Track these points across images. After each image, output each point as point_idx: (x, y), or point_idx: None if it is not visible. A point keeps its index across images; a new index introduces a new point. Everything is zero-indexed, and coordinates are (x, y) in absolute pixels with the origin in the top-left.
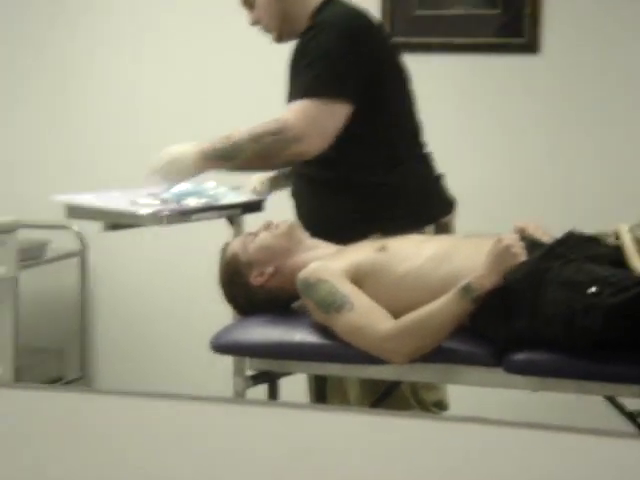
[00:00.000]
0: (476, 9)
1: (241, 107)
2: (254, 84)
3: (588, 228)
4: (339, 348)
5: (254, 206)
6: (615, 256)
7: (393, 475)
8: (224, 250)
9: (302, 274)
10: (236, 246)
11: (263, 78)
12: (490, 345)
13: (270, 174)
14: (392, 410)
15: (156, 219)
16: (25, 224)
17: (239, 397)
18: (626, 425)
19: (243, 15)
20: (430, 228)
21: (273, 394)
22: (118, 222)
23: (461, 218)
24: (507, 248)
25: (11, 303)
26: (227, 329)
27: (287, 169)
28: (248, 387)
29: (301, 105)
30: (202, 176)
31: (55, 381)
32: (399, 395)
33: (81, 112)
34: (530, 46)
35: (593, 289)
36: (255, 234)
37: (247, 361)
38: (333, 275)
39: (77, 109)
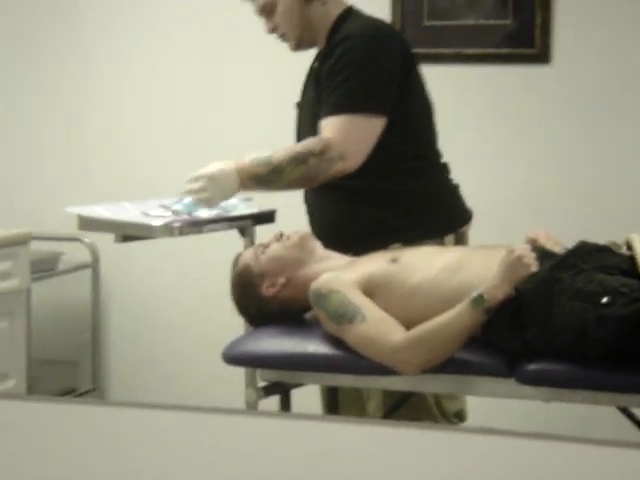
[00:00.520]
0: (486, 20)
1: (250, 118)
2: (264, 94)
3: (600, 238)
4: (351, 359)
5: (266, 217)
6: (627, 266)
7: None
8: (236, 261)
9: (314, 285)
10: (248, 257)
11: (272, 87)
12: (502, 355)
13: None
14: (414, 418)
15: (168, 230)
16: (38, 236)
17: (251, 408)
18: (639, 436)
19: (248, 24)
20: (450, 238)
21: (285, 405)
22: (130, 234)
23: (474, 228)
24: (519, 259)
25: (24, 315)
26: (239, 340)
27: None
28: (260, 398)
29: (340, 122)
30: None
31: (68, 393)
32: (422, 404)
33: (95, 124)
34: (541, 56)
35: (605, 299)
36: (267, 245)
37: (259, 372)
38: (345, 286)
39: (91, 121)
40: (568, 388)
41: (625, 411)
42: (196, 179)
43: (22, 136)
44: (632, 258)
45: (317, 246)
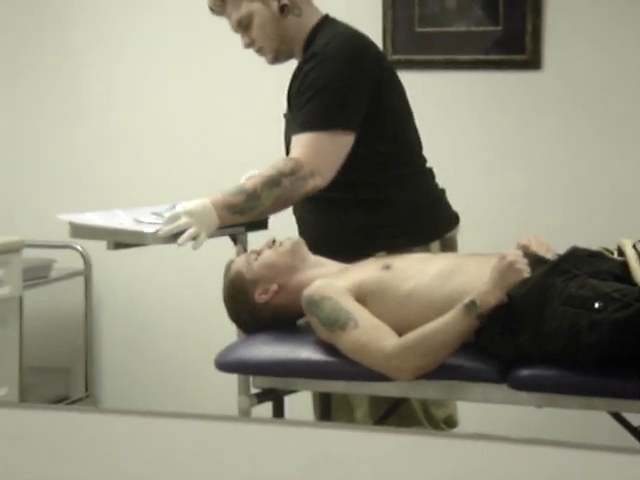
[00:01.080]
0: (477, 26)
1: (247, 126)
2: (261, 100)
3: (592, 244)
4: (344, 365)
5: (258, 224)
6: (619, 271)
7: None
8: (228, 268)
9: (306, 292)
10: (240, 264)
11: (269, 94)
12: (495, 361)
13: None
14: (402, 427)
15: (160, 238)
16: (30, 244)
17: (244, 415)
18: (632, 441)
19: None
20: (436, 244)
21: (278, 412)
22: (122, 241)
23: (464, 233)
24: (511, 264)
25: (16, 322)
26: (231, 347)
27: None
28: (253, 405)
29: (307, 139)
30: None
31: (60, 400)
32: (409, 412)
33: (87, 132)
34: (532, 62)
35: (597, 305)
36: (259, 252)
37: (252, 379)
38: (337, 293)
39: (84, 128)
40: (561, 393)
41: (617, 416)
42: (176, 217)
43: (15, 144)
44: (624, 263)
45: (309, 253)
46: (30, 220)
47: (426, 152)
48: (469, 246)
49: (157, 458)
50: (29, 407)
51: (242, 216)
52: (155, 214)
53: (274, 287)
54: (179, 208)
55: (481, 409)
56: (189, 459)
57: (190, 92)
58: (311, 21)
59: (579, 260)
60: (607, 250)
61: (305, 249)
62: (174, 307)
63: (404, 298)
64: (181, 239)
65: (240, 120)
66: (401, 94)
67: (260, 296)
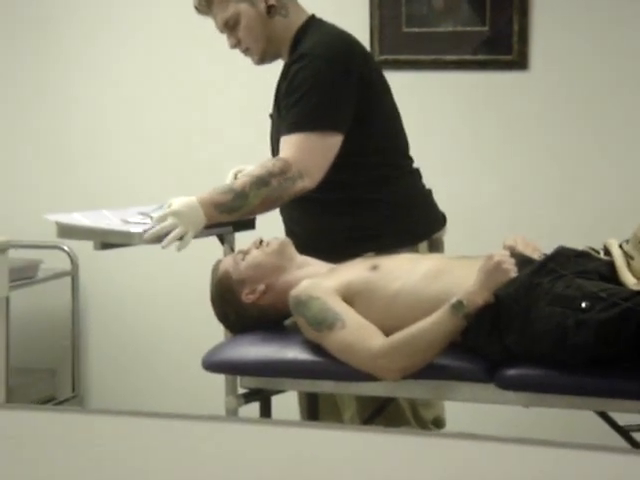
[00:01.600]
0: (464, 26)
1: (238, 128)
2: (251, 100)
3: (578, 244)
4: (331, 365)
5: (245, 224)
6: (605, 271)
7: None
8: (215, 268)
9: (294, 292)
10: (227, 264)
11: (258, 94)
12: (482, 361)
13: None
14: (390, 427)
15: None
16: (16, 244)
17: (231, 415)
18: (619, 440)
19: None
20: (424, 244)
21: (265, 412)
22: (109, 241)
23: (451, 234)
24: (498, 264)
25: (3, 323)
26: (218, 347)
27: None
28: (240, 405)
29: (296, 140)
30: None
31: (47, 401)
32: (397, 413)
33: (73, 132)
34: (518, 62)
35: (584, 304)
36: (246, 252)
37: (239, 379)
38: (325, 293)
39: (70, 129)
40: (548, 393)
41: (604, 415)
42: (162, 218)
43: (1, 144)
44: (610, 263)
45: (297, 253)
46: (17, 220)
47: (412, 152)
48: (455, 247)
49: (144, 458)
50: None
51: (229, 215)
52: (142, 214)
53: (261, 287)
54: (165, 208)
55: (468, 409)
56: (176, 459)
57: (177, 92)
58: (297, 21)
59: (566, 260)
60: (593, 250)
61: (292, 249)
62: (161, 308)
63: (391, 298)
64: (165, 241)
65: (227, 119)
66: (388, 94)
67: (247, 296)
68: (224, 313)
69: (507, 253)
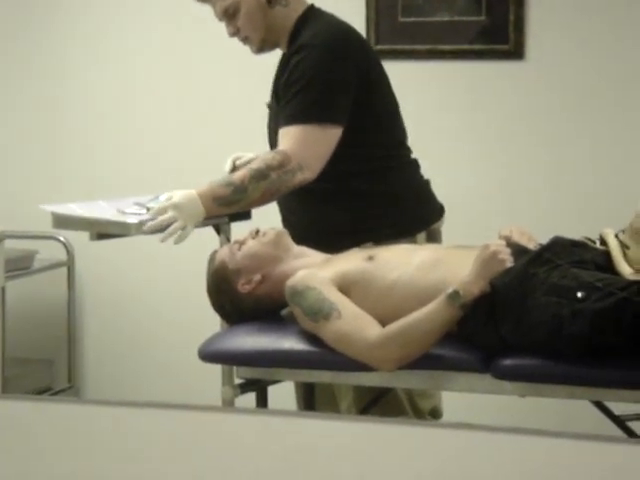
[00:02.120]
0: (460, 16)
1: (234, 118)
2: (244, 92)
3: (575, 234)
4: (327, 355)
5: (242, 214)
6: (601, 261)
7: None
8: (212, 258)
9: (290, 282)
10: (223, 254)
11: (252, 87)
12: (478, 351)
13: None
14: (388, 417)
15: (143, 228)
16: (12, 234)
17: (228, 405)
18: (614, 429)
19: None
20: (422, 235)
21: (262, 402)
22: (105, 231)
23: (448, 225)
24: (494, 254)
25: None
26: (215, 338)
27: None
28: (236, 395)
29: (296, 132)
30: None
31: (43, 392)
32: (396, 402)
33: (70, 122)
34: (515, 52)
35: (580, 294)
36: (242, 242)
37: (235, 369)
38: (321, 283)
39: (66, 119)
40: (543, 383)
41: (600, 405)
42: (162, 211)
43: None
44: (606, 253)
45: (293, 243)
46: (12, 211)
47: (408, 142)
48: (452, 237)
49: (141, 448)
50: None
51: (228, 208)
52: (138, 204)
53: (257, 277)
54: (163, 199)
55: (465, 399)
56: (173, 449)
57: (172, 82)
58: (297, 11)
59: (562, 250)
60: (589, 240)
61: (288, 239)
62: (157, 298)
63: (388, 289)
64: (163, 236)
65: (223, 110)
66: (387, 85)
67: (243, 286)
68: (220, 303)
69: (503, 243)
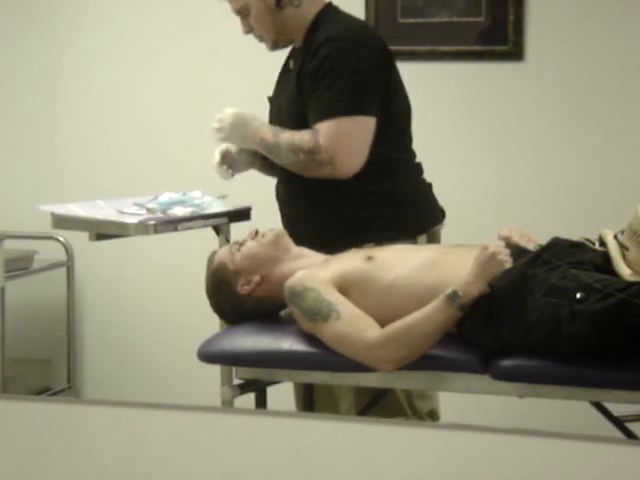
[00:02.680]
0: (460, 17)
1: None
2: (252, 93)
3: (574, 235)
4: (327, 356)
5: (241, 214)
6: (600, 262)
7: None
8: (211, 259)
9: (289, 282)
10: (223, 255)
11: (248, 83)
12: (477, 352)
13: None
14: (387, 418)
15: (143, 228)
16: (12, 235)
17: (227, 406)
18: (613, 430)
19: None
20: (422, 237)
21: (261, 402)
22: (105, 232)
23: (447, 226)
24: (493, 255)
25: None
26: (214, 338)
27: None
28: (235, 396)
29: (331, 126)
30: (188, 185)
31: (43, 392)
32: (395, 404)
33: (68, 122)
34: (514, 53)
35: (579, 295)
36: (242, 243)
37: (234, 370)
38: (320, 283)
39: (65, 119)
40: (542, 383)
41: (599, 406)
42: (219, 120)
43: None
44: (605, 254)
45: (292, 244)
46: (12, 211)
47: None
48: (451, 237)
49: (139, 448)
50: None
51: (267, 153)
52: (137, 205)
53: (256, 278)
54: (162, 199)
55: (463, 400)
56: (172, 450)
57: (173, 82)
58: (313, 9)
59: (561, 251)
60: (588, 241)
61: (288, 240)
62: (156, 298)
63: (386, 289)
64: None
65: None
66: (403, 87)
67: (242, 287)
68: (219, 304)
69: (502, 244)
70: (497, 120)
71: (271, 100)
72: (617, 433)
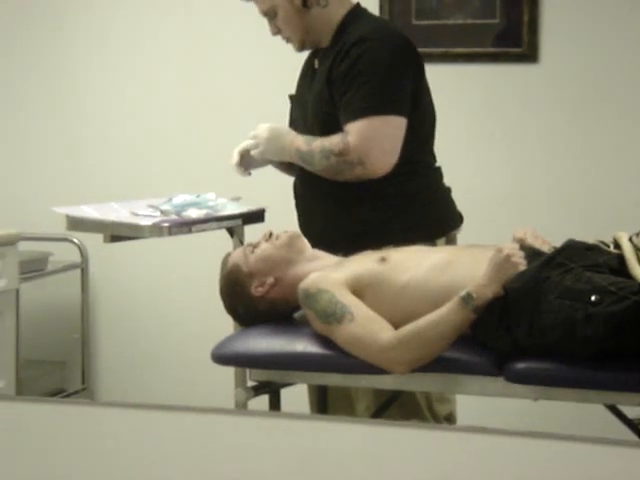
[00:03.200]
0: (474, 19)
1: (246, 123)
2: (259, 100)
3: (588, 237)
4: (340, 358)
5: (255, 216)
6: (615, 264)
7: None
8: (225, 261)
9: (303, 284)
10: (237, 257)
11: (267, 88)
12: (491, 354)
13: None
14: (405, 419)
15: (157, 230)
16: (26, 236)
17: (241, 408)
18: (628, 433)
19: (239, 23)
20: (442, 241)
21: (275, 404)
22: (119, 234)
23: (463, 227)
24: (507, 257)
25: (13, 315)
26: (228, 340)
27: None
28: (249, 398)
29: (361, 126)
30: (202, 187)
31: (57, 393)
32: (414, 407)
33: (83, 124)
34: (529, 55)
35: (593, 298)
36: (256, 245)
37: (248, 372)
38: (334, 285)
39: (79, 121)
40: (557, 386)
41: (613, 409)
42: (255, 136)
43: (11, 137)
44: (620, 256)
45: (306, 246)
46: (27, 213)
47: None
48: (464, 240)
49: (153, 450)
50: (26, 400)
51: (301, 162)
52: (151, 207)
53: (270, 280)
54: (176, 201)
55: (478, 402)
56: (186, 451)
57: (187, 85)
58: (341, 10)
59: (575, 253)
60: (603, 243)
61: (302, 242)
62: (171, 300)
63: (400, 290)
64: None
65: (237, 112)
66: (428, 89)
67: (256, 289)
68: (233, 306)
69: (516, 246)
70: (512, 122)
71: (293, 99)
72: (631, 436)
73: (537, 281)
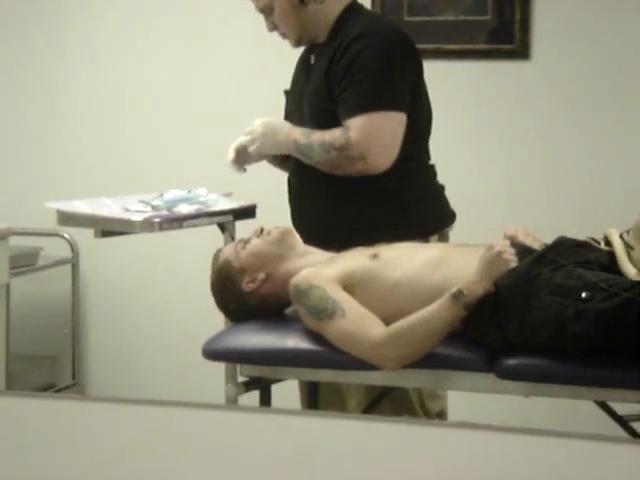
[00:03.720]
0: (466, 15)
1: (238, 116)
2: (251, 96)
3: (579, 234)
4: (331, 354)
5: (246, 212)
6: (606, 261)
7: None
8: (216, 257)
9: (294, 280)
10: (228, 252)
11: (261, 84)
12: (482, 351)
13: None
14: (396, 415)
15: (148, 226)
16: (17, 231)
17: (231, 403)
18: (618, 429)
19: (233, 20)
20: (434, 238)
21: (265, 400)
22: (110, 229)
23: (454, 224)
24: (498, 254)
25: (3, 310)
26: (219, 336)
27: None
28: (240, 393)
29: (362, 121)
30: (193, 182)
31: (47, 388)
32: (406, 403)
33: (74, 119)
34: (520, 52)
35: (584, 294)
36: (247, 240)
37: (239, 368)
38: (325, 281)
39: (70, 116)
40: (547, 383)
41: (603, 405)
42: (250, 132)
43: (1, 132)
44: (611, 254)
45: (297, 241)
46: (17, 208)
47: None
48: (456, 236)
49: (144, 446)
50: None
51: (299, 155)
52: (143, 202)
53: (262, 276)
54: (167, 197)
55: (468, 398)
56: (176, 447)
57: (179, 80)
58: (337, 6)
59: (566, 250)
60: (594, 240)
61: (293, 238)
62: (161, 295)
63: (392, 287)
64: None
65: (231, 107)
66: (426, 86)
67: (247, 285)
68: (224, 301)
69: (508, 243)
70: (503, 119)
71: (288, 94)
72: (621, 432)
73: (528, 278)
